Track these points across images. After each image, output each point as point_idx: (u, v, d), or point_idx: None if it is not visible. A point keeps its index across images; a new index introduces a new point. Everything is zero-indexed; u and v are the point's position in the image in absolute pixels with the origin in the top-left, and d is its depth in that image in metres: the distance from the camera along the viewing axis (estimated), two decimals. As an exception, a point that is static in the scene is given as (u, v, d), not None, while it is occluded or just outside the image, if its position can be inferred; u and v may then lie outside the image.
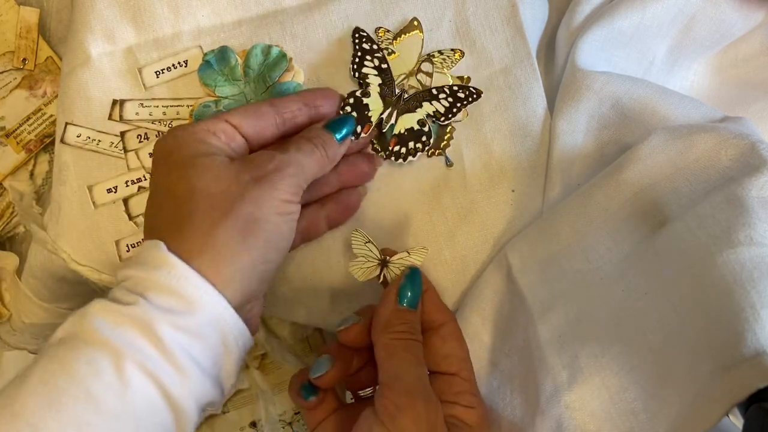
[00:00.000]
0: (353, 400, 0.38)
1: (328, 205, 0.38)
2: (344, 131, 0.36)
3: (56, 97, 0.46)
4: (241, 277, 0.30)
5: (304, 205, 0.36)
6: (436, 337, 0.34)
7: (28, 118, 0.46)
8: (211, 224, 0.30)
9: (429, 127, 0.39)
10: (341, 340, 0.34)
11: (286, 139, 0.35)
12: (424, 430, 0.29)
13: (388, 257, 0.36)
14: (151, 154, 0.39)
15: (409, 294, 0.33)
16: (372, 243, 0.36)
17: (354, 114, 0.37)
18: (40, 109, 0.46)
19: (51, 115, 0.46)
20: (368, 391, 0.36)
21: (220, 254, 0.29)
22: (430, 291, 0.35)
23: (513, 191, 0.39)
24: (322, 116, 0.37)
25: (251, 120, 0.34)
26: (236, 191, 0.30)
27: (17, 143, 0.46)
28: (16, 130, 0.46)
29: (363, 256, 0.36)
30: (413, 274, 0.34)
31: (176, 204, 0.31)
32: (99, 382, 0.26)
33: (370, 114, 0.39)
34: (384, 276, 0.36)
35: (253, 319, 0.34)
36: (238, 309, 0.30)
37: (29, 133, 0.46)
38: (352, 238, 0.36)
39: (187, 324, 0.28)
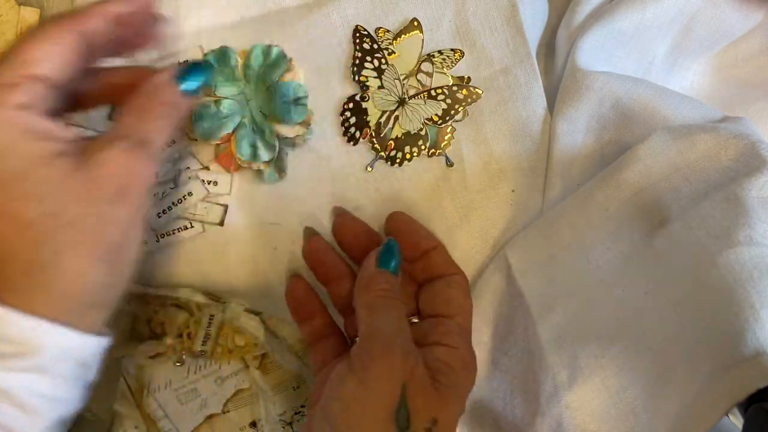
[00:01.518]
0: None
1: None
2: (196, 85, 0.30)
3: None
4: (93, 302, 0.26)
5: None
6: (442, 282, 0.34)
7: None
8: (79, 270, 0.25)
9: (426, 131, 0.39)
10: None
11: (128, 105, 0.28)
12: (398, 378, 0.28)
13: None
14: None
15: (388, 259, 0.33)
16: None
17: (211, 64, 0.32)
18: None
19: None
20: None
21: (83, 297, 0.26)
22: (440, 248, 0.35)
23: (513, 191, 0.40)
24: (129, 25, 0.29)
25: (54, 56, 0.26)
26: (94, 214, 0.25)
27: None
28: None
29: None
30: (389, 242, 0.34)
31: (22, 238, 0.24)
32: None
33: (368, 119, 0.39)
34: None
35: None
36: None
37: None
38: None
39: (24, 365, 0.24)
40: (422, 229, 0.36)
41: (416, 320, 0.34)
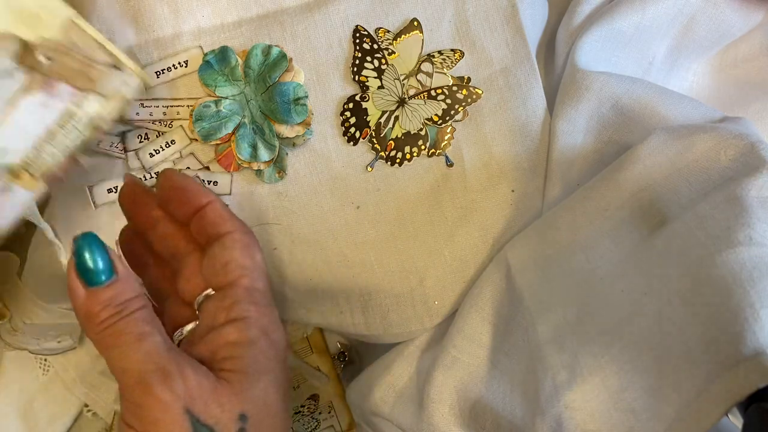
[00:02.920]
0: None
1: None
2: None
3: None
4: None
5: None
6: (218, 245, 0.30)
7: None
8: None
9: (426, 131, 0.39)
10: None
11: None
12: (175, 408, 0.26)
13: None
14: (151, 155, 0.39)
15: (86, 271, 0.26)
16: None
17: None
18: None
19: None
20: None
21: None
22: (214, 203, 0.31)
23: (513, 191, 0.40)
24: None
25: None
26: None
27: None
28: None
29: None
30: (76, 245, 0.26)
31: None
32: None
33: (368, 119, 0.39)
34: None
35: None
36: None
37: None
38: None
39: None
40: (193, 184, 0.32)
41: (212, 292, 0.31)
